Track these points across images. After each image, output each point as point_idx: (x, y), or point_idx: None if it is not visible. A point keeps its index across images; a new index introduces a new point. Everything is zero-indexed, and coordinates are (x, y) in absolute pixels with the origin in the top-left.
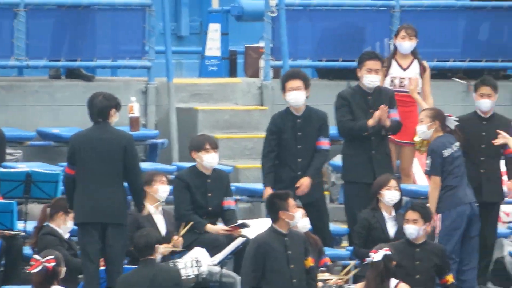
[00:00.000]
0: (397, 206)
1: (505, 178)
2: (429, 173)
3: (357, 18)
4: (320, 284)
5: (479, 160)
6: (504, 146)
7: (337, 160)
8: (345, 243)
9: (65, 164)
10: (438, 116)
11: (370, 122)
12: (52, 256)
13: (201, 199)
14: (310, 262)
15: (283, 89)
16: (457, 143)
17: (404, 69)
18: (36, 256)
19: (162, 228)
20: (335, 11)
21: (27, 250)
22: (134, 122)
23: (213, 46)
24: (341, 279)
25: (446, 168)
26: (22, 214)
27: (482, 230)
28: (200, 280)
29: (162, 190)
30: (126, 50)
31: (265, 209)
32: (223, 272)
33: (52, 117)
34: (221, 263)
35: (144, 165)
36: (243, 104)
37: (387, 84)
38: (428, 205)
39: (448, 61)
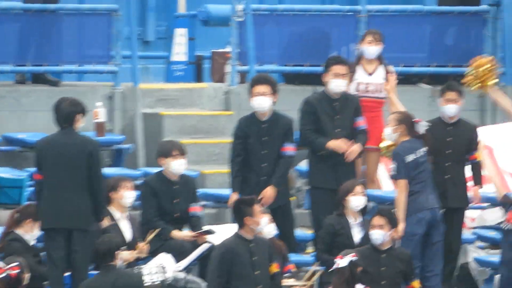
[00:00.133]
0: (363, 211)
1: (470, 183)
2: (394, 177)
3: (323, 23)
4: None
5: (445, 165)
6: (470, 151)
7: (303, 165)
8: (310, 249)
9: (31, 169)
10: (404, 120)
11: (330, 144)
12: (16, 263)
13: (167, 205)
14: (275, 268)
15: (250, 93)
16: (424, 149)
17: (370, 74)
18: (0, 263)
19: (128, 234)
20: (301, 16)
21: None
22: (100, 128)
23: (180, 51)
24: (304, 285)
25: (408, 173)
26: None
27: (447, 236)
28: (165, 286)
29: (127, 196)
30: (92, 55)
31: (231, 215)
32: (188, 278)
33: (18, 122)
34: (186, 269)
35: (110, 171)
36: (210, 109)
37: (352, 89)
38: (394, 210)
39: (414, 66)
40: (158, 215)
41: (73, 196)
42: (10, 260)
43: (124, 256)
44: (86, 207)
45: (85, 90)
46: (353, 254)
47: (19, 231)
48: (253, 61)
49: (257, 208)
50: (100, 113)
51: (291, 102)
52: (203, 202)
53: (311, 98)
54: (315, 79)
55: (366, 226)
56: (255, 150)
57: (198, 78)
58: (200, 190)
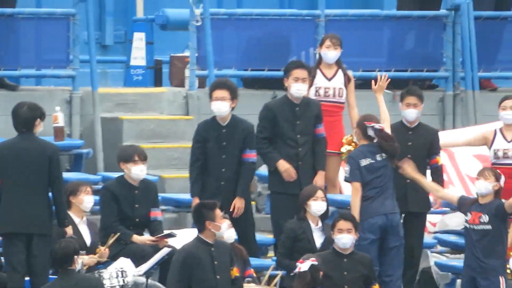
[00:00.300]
0: (324, 216)
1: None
2: (348, 180)
3: (282, 27)
4: None
5: None
6: (430, 156)
7: (264, 170)
8: (271, 253)
9: None
10: (360, 124)
11: (280, 166)
12: None
13: (128, 210)
14: (235, 272)
15: (210, 98)
16: (382, 154)
17: (329, 79)
18: None
19: (87, 238)
20: (260, 20)
21: None
22: (58, 132)
23: (138, 55)
24: None
25: (363, 178)
26: None
27: (408, 240)
28: None
29: (87, 200)
30: (50, 59)
31: (192, 219)
32: (149, 283)
33: None
34: (147, 274)
35: (69, 175)
36: (169, 113)
37: (311, 94)
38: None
39: (373, 71)
40: (118, 219)
41: (32, 201)
42: None
43: (84, 260)
44: (45, 212)
45: (43, 95)
46: (313, 258)
47: None
48: (212, 65)
49: (218, 212)
50: (58, 117)
51: (250, 107)
52: (163, 207)
53: (271, 103)
54: (275, 83)
55: (326, 230)
56: (214, 155)
57: (157, 83)
58: (160, 195)
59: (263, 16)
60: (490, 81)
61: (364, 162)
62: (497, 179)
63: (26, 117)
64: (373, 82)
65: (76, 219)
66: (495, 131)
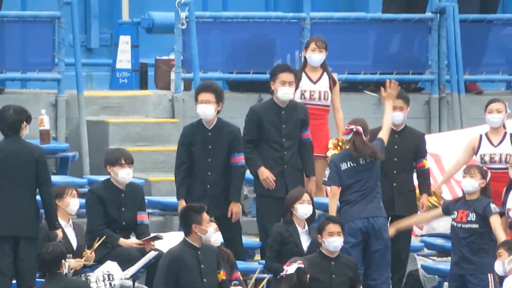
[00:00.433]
0: (310, 219)
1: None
2: (326, 183)
3: (267, 30)
4: None
5: (392, 173)
6: (417, 159)
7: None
8: (257, 256)
9: None
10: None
11: (260, 173)
12: None
13: (114, 213)
14: (222, 275)
15: (196, 101)
16: (367, 159)
17: (314, 82)
18: None
19: (73, 241)
20: (245, 23)
21: None
22: (44, 135)
23: (124, 58)
24: None
25: (344, 182)
26: None
27: (395, 244)
28: None
29: (73, 203)
30: (35, 62)
31: (179, 222)
32: (136, 286)
33: None
34: (134, 277)
35: (55, 178)
36: (154, 116)
37: (297, 97)
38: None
39: (359, 73)
40: (105, 223)
41: (20, 204)
42: None
43: (71, 264)
44: (33, 215)
45: (29, 98)
46: (300, 261)
47: None
48: (198, 68)
49: (205, 216)
50: (44, 120)
51: (235, 110)
52: (149, 210)
53: (256, 107)
54: (260, 86)
55: (313, 234)
56: (200, 158)
57: (143, 86)
58: (146, 198)
59: (249, 19)
60: (476, 84)
61: (345, 166)
62: (483, 176)
63: (13, 120)
64: (382, 89)
65: (62, 222)
66: (480, 136)
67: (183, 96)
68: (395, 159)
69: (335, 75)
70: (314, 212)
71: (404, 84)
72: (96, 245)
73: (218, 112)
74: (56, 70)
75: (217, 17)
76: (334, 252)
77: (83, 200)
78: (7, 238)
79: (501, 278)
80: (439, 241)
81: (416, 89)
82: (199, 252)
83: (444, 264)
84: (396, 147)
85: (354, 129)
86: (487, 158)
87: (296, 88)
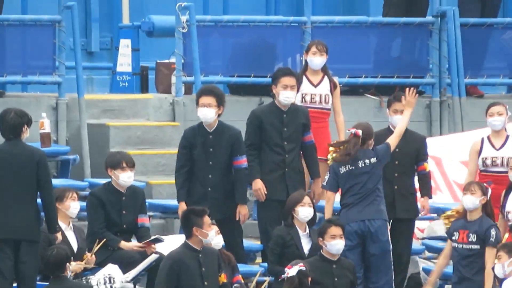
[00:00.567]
0: (311, 222)
1: (418, 194)
2: (324, 187)
3: (268, 34)
4: None
5: (393, 176)
6: (418, 162)
7: None
8: (258, 259)
9: None
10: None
11: (254, 185)
12: None
13: (115, 216)
14: (223, 278)
15: (197, 104)
16: (367, 161)
17: (315, 86)
18: None
19: (74, 244)
20: (246, 27)
21: None
22: (45, 138)
23: (124, 61)
24: None
25: (343, 185)
26: None
27: (396, 247)
28: None
29: (73, 206)
30: (36, 65)
31: (180, 224)
32: None
33: None
34: (134, 280)
35: (56, 181)
36: (155, 120)
37: (298, 101)
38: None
39: (360, 77)
40: (106, 226)
41: (21, 207)
42: None
43: (71, 267)
44: (34, 218)
45: (29, 101)
46: (302, 264)
47: None
48: (198, 72)
49: (206, 219)
50: (45, 123)
51: (236, 113)
52: (150, 213)
53: (258, 110)
54: (261, 89)
55: (313, 236)
56: (201, 161)
57: (143, 89)
58: (147, 201)
59: (249, 22)
60: (477, 88)
61: (343, 169)
62: (484, 193)
63: (14, 123)
64: (403, 98)
65: (63, 225)
66: (482, 139)
67: (184, 100)
68: (396, 162)
69: (336, 79)
70: (315, 214)
71: (405, 87)
72: (96, 248)
73: (219, 115)
74: (56, 73)
75: (218, 20)
76: (336, 255)
77: (84, 203)
78: (8, 241)
79: (501, 281)
80: (440, 244)
81: (417, 93)
82: (200, 255)
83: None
84: (397, 150)
85: (353, 132)
86: (489, 162)
87: (297, 91)
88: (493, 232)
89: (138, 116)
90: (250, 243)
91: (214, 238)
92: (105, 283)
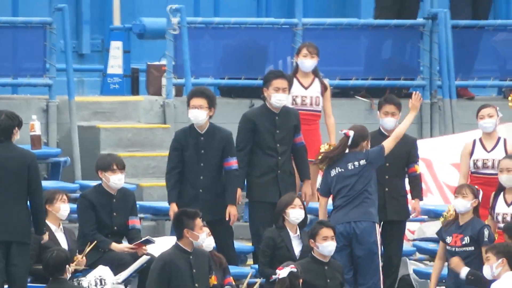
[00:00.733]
0: (302, 224)
1: (409, 196)
2: (318, 191)
3: (259, 36)
4: None
5: (384, 178)
6: (409, 164)
7: None
8: (250, 261)
9: None
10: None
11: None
12: None
13: (106, 218)
14: (213, 280)
15: (188, 105)
16: (356, 163)
17: (306, 88)
18: None
19: (64, 246)
20: (237, 29)
21: None
22: (35, 140)
23: (115, 63)
24: None
25: (333, 187)
26: None
27: (387, 249)
28: None
29: (63, 208)
30: (26, 68)
31: (171, 225)
32: None
33: None
34: (126, 281)
35: (46, 184)
36: (146, 122)
37: (288, 103)
38: None
39: (350, 79)
40: (96, 228)
41: (12, 209)
42: None
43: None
44: (25, 220)
45: (20, 103)
46: (293, 265)
47: None
48: (189, 74)
49: (198, 222)
50: (35, 126)
51: (227, 115)
52: (141, 215)
53: (249, 113)
54: (252, 92)
55: (304, 238)
56: (192, 162)
57: (134, 91)
58: (138, 203)
59: (240, 24)
60: (467, 90)
61: (334, 172)
62: (475, 196)
63: (5, 125)
64: (409, 101)
65: (53, 227)
66: (474, 141)
67: (175, 102)
68: (387, 164)
69: (327, 81)
70: (306, 216)
71: (396, 89)
72: (87, 249)
73: (210, 117)
74: (47, 75)
75: (209, 22)
76: (327, 256)
77: (75, 205)
78: None
79: (489, 282)
80: (431, 246)
81: (407, 95)
82: (191, 257)
83: None
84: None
85: (343, 133)
86: (479, 164)
87: (288, 93)
88: (486, 232)
89: (129, 118)
90: (241, 244)
91: (205, 240)
92: (96, 285)
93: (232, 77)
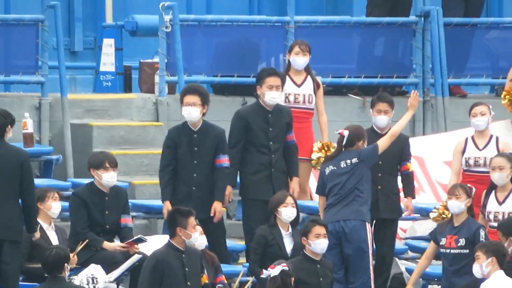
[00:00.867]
0: (294, 222)
1: (401, 194)
2: (316, 191)
3: (252, 33)
4: None
5: (376, 176)
6: (401, 162)
7: None
8: (242, 259)
9: None
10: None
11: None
12: None
13: (98, 217)
14: (205, 279)
15: (181, 103)
16: (348, 161)
17: (298, 86)
18: None
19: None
20: (230, 26)
21: None
22: (28, 138)
23: (108, 61)
24: None
25: (327, 185)
26: None
27: (380, 247)
28: None
29: (54, 206)
30: (19, 65)
31: (163, 225)
32: None
33: None
34: (118, 280)
35: (38, 182)
36: (139, 120)
37: (281, 101)
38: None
39: (343, 77)
40: (88, 226)
41: (4, 207)
42: None
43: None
44: (17, 218)
45: (12, 101)
46: (285, 264)
47: None
48: (182, 71)
49: (191, 220)
50: (28, 123)
51: (220, 113)
52: (133, 213)
53: (242, 111)
54: (244, 89)
55: (296, 236)
56: (185, 160)
57: (127, 89)
58: (130, 201)
59: (233, 22)
60: (460, 88)
61: (327, 170)
62: (468, 195)
63: None
64: (408, 99)
65: (44, 225)
66: (466, 139)
67: (168, 99)
68: (380, 162)
69: (319, 79)
70: (298, 215)
71: (388, 87)
72: (78, 249)
73: (203, 114)
74: (39, 73)
75: (201, 20)
76: (319, 254)
77: (67, 203)
78: None
79: (479, 281)
80: (423, 244)
81: (400, 93)
82: (184, 255)
83: (428, 267)
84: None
85: (338, 133)
86: (471, 162)
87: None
88: (482, 233)
89: (122, 116)
90: (233, 243)
91: (198, 239)
92: (88, 283)
93: (224, 74)
